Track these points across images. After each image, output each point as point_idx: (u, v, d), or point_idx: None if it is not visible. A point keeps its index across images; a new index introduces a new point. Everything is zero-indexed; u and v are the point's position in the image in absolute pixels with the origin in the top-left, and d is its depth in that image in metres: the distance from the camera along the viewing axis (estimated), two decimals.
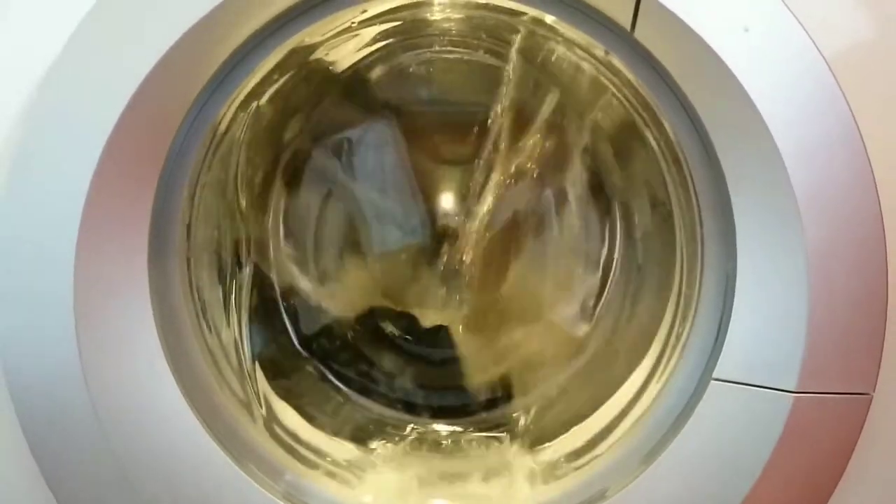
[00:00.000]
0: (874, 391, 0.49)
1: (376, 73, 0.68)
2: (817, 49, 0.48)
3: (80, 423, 0.49)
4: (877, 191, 0.48)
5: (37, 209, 0.48)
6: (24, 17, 0.51)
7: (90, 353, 0.49)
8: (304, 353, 0.70)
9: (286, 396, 0.64)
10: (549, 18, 0.55)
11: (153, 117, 0.49)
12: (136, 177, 0.50)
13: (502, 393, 0.71)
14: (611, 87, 0.61)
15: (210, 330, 0.59)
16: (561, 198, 0.69)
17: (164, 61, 0.48)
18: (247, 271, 0.66)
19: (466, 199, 0.69)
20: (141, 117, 0.49)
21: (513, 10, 0.56)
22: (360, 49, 0.65)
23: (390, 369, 0.73)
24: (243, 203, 0.66)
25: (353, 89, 0.68)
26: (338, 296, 0.73)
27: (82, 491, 0.51)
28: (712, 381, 0.51)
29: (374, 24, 0.61)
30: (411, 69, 0.69)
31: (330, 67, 0.66)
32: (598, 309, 0.69)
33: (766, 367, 0.49)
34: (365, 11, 0.57)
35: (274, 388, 0.64)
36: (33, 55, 0.49)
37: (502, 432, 0.67)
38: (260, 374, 0.63)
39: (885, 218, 0.48)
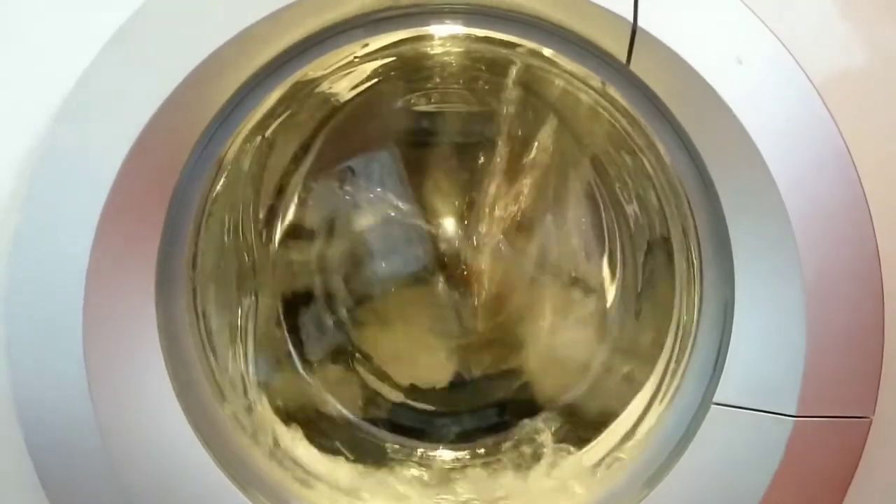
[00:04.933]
0: (873, 414, 0.49)
1: (378, 104, 0.69)
2: (808, 79, 0.49)
3: (88, 451, 0.50)
4: (871, 215, 0.49)
5: (48, 240, 0.49)
6: (38, 54, 0.52)
7: (98, 381, 0.50)
8: (310, 381, 0.71)
9: (291, 424, 0.64)
10: (547, 51, 0.56)
11: (162, 151, 0.50)
12: (145, 209, 0.51)
13: (505, 419, 0.71)
14: (608, 116, 0.62)
15: (216, 358, 0.59)
16: (562, 223, 0.70)
17: (171, 98, 0.49)
18: (251, 300, 0.67)
19: (470, 225, 0.70)
20: (150, 151, 0.50)
21: (511, 42, 0.57)
22: (362, 81, 0.66)
23: (394, 395, 0.73)
24: (248, 233, 0.67)
25: (356, 121, 0.69)
26: (343, 322, 0.73)
27: None
28: (713, 406, 0.51)
29: (376, 58, 0.62)
30: (412, 100, 0.70)
31: (333, 100, 0.67)
32: (599, 334, 0.70)
33: (766, 392, 0.50)
34: (367, 45, 0.58)
35: (279, 415, 0.64)
36: (46, 91, 0.50)
37: (506, 458, 0.67)
38: (265, 401, 0.64)
39: (879, 241, 0.49)
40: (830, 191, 0.49)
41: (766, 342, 0.50)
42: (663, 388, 0.59)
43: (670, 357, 0.60)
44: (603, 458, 0.60)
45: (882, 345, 0.49)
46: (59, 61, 0.51)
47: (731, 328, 0.51)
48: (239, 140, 0.58)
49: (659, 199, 0.61)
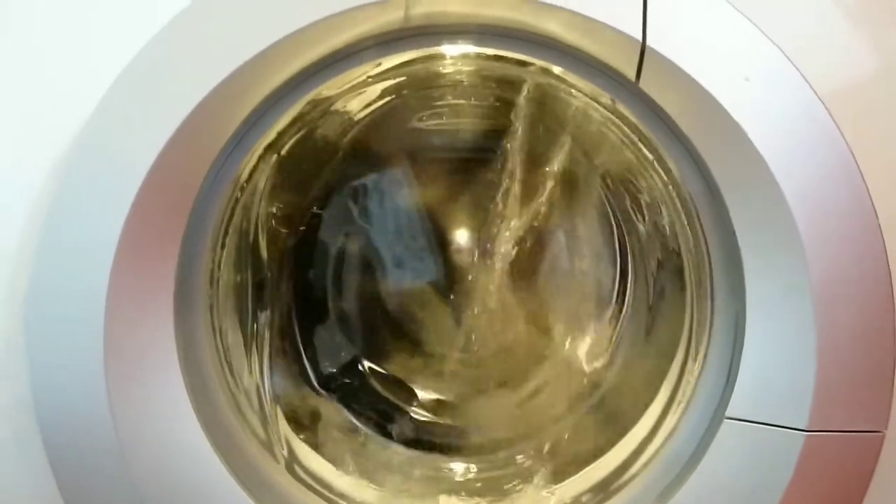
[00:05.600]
0: (886, 429, 0.49)
1: (390, 122, 0.70)
2: (814, 92, 0.49)
3: (107, 463, 0.51)
4: (880, 227, 0.49)
5: (70, 259, 0.50)
6: (59, 77, 0.53)
7: (118, 397, 0.50)
8: (324, 394, 0.71)
9: (307, 438, 0.65)
10: (557, 69, 0.57)
11: (180, 171, 0.51)
12: (164, 226, 0.52)
13: (519, 431, 0.71)
14: (618, 133, 0.62)
15: (232, 373, 0.60)
16: (573, 239, 0.70)
17: (190, 118, 0.50)
18: (267, 315, 0.68)
19: (480, 242, 0.70)
20: (169, 171, 0.50)
21: (522, 61, 0.58)
22: (375, 100, 0.67)
23: (407, 408, 0.73)
24: (264, 248, 0.67)
25: (369, 138, 0.70)
26: (356, 335, 0.74)
27: None
28: (725, 420, 0.51)
29: (389, 78, 0.63)
30: (424, 118, 0.71)
31: (346, 118, 0.68)
32: (610, 348, 0.70)
33: (778, 406, 0.50)
34: (380, 65, 0.59)
35: (294, 429, 0.64)
36: (68, 110, 0.52)
37: (519, 471, 0.68)
38: (281, 415, 0.64)
39: (889, 254, 0.49)
40: (839, 204, 0.49)
41: (777, 356, 0.50)
42: (675, 402, 0.59)
43: (681, 372, 0.60)
44: (614, 473, 0.60)
45: (894, 358, 0.49)
46: (79, 81, 0.52)
47: (742, 342, 0.51)
48: (255, 158, 0.59)
49: (669, 214, 0.61)
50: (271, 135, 0.58)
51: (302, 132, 0.62)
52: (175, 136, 0.50)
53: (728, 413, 0.51)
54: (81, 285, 0.50)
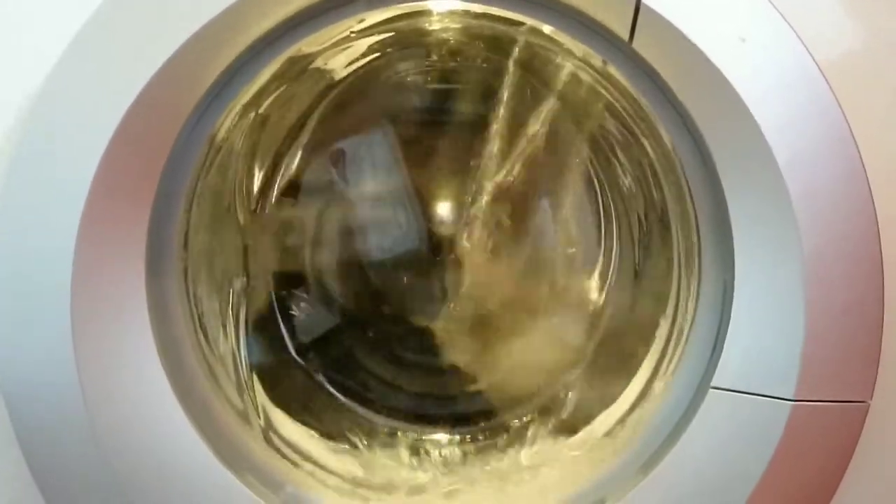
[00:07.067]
0: (871, 399, 0.49)
1: (374, 82, 0.68)
2: (812, 58, 0.49)
3: (76, 434, 0.49)
4: (872, 199, 0.49)
5: (34, 217, 0.48)
6: (24, 25, 0.50)
7: (87, 362, 0.49)
8: (302, 363, 0.70)
9: (284, 407, 0.63)
10: (547, 28, 0.56)
11: (151, 127, 0.49)
12: (134, 186, 0.50)
13: (499, 403, 0.70)
14: (608, 96, 0.61)
15: (207, 340, 0.59)
16: (558, 205, 0.70)
17: (162, 71, 0.48)
18: (244, 281, 0.66)
19: (464, 206, 0.69)
20: (139, 127, 0.49)
21: (511, 19, 0.56)
22: (357, 58, 0.65)
23: (388, 378, 0.73)
24: (240, 212, 0.66)
25: (351, 98, 0.68)
26: (335, 303, 0.72)
27: (77, 502, 0.50)
28: (710, 390, 0.51)
29: (372, 34, 0.61)
30: (409, 78, 0.69)
31: (328, 76, 0.66)
32: (596, 318, 0.69)
33: (764, 376, 0.49)
34: (363, 21, 0.57)
35: (272, 398, 0.63)
36: (31, 63, 0.49)
37: (500, 442, 0.67)
38: (258, 384, 0.63)
39: (880, 226, 0.48)
40: (833, 173, 0.48)
41: (764, 326, 0.50)
42: (661, 372, 0.59)
43: (667, 341, 0.59)
44: (597, 443, 0.60)
45: (881, 330, 0.49)
46: (40, 33, 0.49)
47: (729, 312, 0.51)
48: (231, 116, 0.57)
49: (658, 180, 0.60)
50: (249, 92, 0.56)
51: (281, 90, 0.60)
52: (147, 89, 0.48)
53: (714, 383, 0.51)
54: (46, 246, 0.48)
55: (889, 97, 0.51)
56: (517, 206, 0.69)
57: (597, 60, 0.56)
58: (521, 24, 0.57)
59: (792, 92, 0.48)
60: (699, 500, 0.51)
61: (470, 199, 0.69)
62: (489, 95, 0.65)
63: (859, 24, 0.51)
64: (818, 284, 0.48)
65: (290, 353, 0.70)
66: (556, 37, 0.57)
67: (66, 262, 0.48)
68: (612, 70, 0.54)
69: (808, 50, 0.49)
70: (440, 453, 0.68)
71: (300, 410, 0.65)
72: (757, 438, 0.49)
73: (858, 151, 0.49)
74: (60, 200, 0.48)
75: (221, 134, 0.57)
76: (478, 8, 0.56)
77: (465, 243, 0.69)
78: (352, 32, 0.59)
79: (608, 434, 0.60)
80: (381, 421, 0.70)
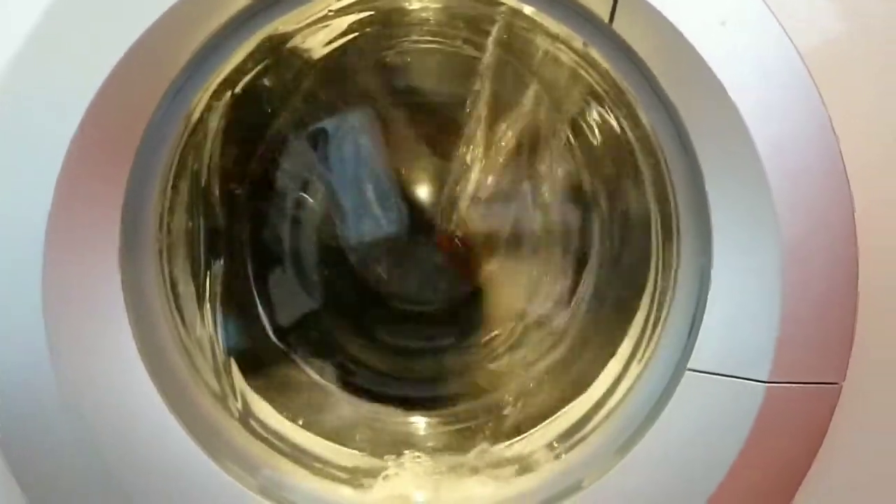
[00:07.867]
0: (844, 380, 0.50)
1: (353, 62, 0.67)
2: (792, 43, 0.49)
3: (50, 419, 0.48)
4: (849, 186, 0.49)
5: (4, 196, 0.47)
6: None
7: (60, 347, 0.48)
8: (281, 346, 0.70)
9: (262, 391, 0.63)
10: (528, 9, 0.55)
11: (125, 106, 0.48)
12: (108, 167, 0.49)
13: (480, 385, 0.71)
14: (589, 79, 0.61)
15: (184, 323, 0.58)
16: (538, 189, 0.69)
17: (135, 48, 0.47)
18: (221, 263, 0.65)
19: (444, 189, 0.69)
20: (112, 105, 0.48)
21: (491, 0, 0.56)
22: (335, 38, 0.64)
23: (368, 361, 0.72)
24: (217, 193, 0.65)
25: (330, 79, 0.67)
26: (314, 286, 0.72)
27: (54, 488, 0.50)
28: (687, 372, 0.51)
29: (351, 13, 0.60)
30: (388, 59, 0.69)
31: (305, 56, 0.65)
32: (575, 300, 0.69)
33: (740, 358, 0.50)
34: None
35: (250, 382, 0.63)
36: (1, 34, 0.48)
37: (480, 424, 0.67)
38: (235, 368, 0.63)
39: (856, 212, 0.49)
40: (811, 159, 0.49)
41: (741, 310, 0.50)
42: (637, 355, 0.59)
43: (644, 324, 0.60)
44: (575, 426, 0.60)
45: (855, 314, 0.50)
46: (16, 4, 0.48)
47: (706, 296, 0.51)
48: (208, 95, 0.56)
49: (637, 164, 0.60)
50: (225, 71, 0.56)
51: (258, 69, 0.60)
52: (120, 65, 0.47)
53: (690, 365, 0.51)
54: (17, 226, 0.47)
55: (869, 85, 0.51)
56: (497, 189, 0.69)
57: (577, 42, 0.55)
58: (500, 4, 0.57)
59: (772, 77, 0.48)
60: (676, 480, 0.51)
61: (450, 180, 0.68)
62: (469, 76, 0.65)
63: (840, 11, 0.51)
64: (795, 269, 0.48)
65: (268, 337, 0.70)
66: (536, 18, 0.57)
67: (38, 244, 0.47)
68: (593, 52, 0.54)
69: (788, 36, 0.49)
70: (421, 437, 0.68)
71: (279, 394, 0.64)
72: (732, 419, 0.50)
73: (836, 137, 0.49)
74: (32, 180, 0.47)
75: (197, 114, 0.56)
76: None
77: (446, 223, 0.69)
78: (330, 11, 0.58)
79: (585, 416, 0.60)
80: (361, 404, 0.70)
